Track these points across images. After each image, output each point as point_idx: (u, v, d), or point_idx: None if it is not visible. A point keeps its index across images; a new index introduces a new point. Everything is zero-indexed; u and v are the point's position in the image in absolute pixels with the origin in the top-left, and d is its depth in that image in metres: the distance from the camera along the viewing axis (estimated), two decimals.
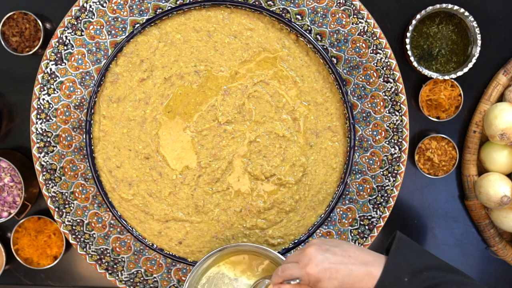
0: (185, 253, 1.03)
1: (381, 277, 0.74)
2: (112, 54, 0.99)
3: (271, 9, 1.00)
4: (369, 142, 1.02)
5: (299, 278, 0.76)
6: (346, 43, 1.01)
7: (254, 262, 0.98)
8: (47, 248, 1.07)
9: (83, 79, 1.01)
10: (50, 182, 1.02)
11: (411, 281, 0.73)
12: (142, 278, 1.04)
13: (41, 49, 1.04)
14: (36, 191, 1.08)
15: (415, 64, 1.01)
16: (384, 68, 1.01)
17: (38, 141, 1.02)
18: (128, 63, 1.00)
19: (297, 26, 0.99)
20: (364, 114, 1.02)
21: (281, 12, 1.00)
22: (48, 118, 1.01)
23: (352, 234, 1.03)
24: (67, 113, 1.02)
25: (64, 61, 1.01)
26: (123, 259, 1.04)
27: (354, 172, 1.02)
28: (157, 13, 1.00)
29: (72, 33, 1.00)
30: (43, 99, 1.01)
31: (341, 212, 1.03)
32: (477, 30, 1.01)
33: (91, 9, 1.00)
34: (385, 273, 0.74)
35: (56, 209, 1.02)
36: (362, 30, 1.00)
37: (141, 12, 1.00)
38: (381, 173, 1.02)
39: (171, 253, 1.02)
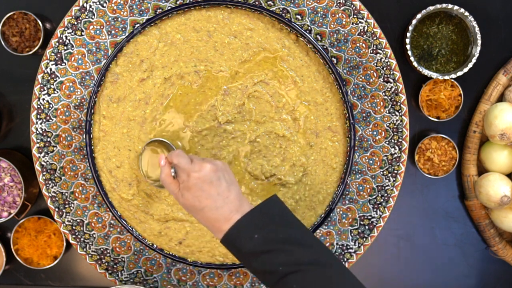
0: (185, 253, 1.03)
1: (233, 226, 0.76)
2: (112, 54, 0.99)
3: (271, 9, 1.00)
4: (369, 142, 1.02)
5: (177, 171, 0.81)
6: (346, 43, 1.01)
7: None
8: (47, 248, 1.07)
9: (83, 79, 1.01)
10: (50, 182, 1.02)
11: (260, 239, 0.74)
12: (142, 278, 1.04)
13: (41, 49, 1.04)
14: (36, 191, 1.08)
15: (415, 64, 1.01)
16: (384, 68, 1.01)
17: (38, 141, 1.02)
18: (128, 63, 1.00)
19: (297, 26, 0.99)
20: (364, 114, 1.02)
21: (281, 12, 1.00)
22: (48, 118, 1.01)
23: (352, 234, 1.03)
24: (67, 113, 1.02)
25: (64, 61, 1.01)
26: (123, 259, 1.04)
27: (354, 172, 1.02)
28: (157, 13, 1.00)
29: (72, 33, 1.00)
30: (43, 99, 1.01)
31: (341, 212, 1.03)
32: (477, 30, 1.01)
33: (91, 9, 1.00)
34: (238, 224, 0.76)
35: (56, 209, 1.02)
36: (362, 30, 1.00)
37: (141, 12, 1.00)
38: (381, 173, 1.02)
39: (171, 253, 1.02)
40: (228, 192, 0.80)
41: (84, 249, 1.03)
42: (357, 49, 1.01)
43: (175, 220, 1.02)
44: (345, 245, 1.03)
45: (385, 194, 1.02)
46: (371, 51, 1.01)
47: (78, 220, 1.03)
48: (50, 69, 1.01)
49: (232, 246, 0.77)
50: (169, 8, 0.99)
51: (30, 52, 1.03)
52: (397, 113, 1.01)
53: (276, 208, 0.78)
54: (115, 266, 1.03)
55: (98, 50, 1.01)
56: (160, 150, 0.98)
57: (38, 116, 1.01)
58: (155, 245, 1.02)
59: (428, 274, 1.10)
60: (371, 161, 1.02)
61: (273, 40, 1.01)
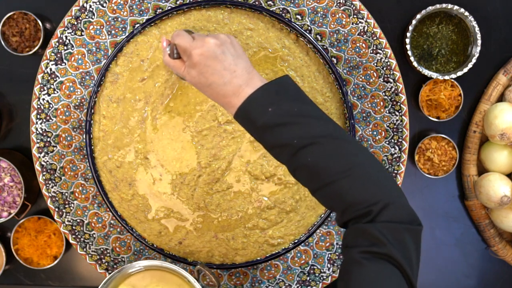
0: (185, 253, 1.03)
1: (246, 100, 0.73)
2: (112, 54, 0.99)
3: (271, 9, 1.00)
4: (369, 142, 1.02)
5: (178, 50, 0.78)
6: (346, 43, 1.01)
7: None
8: (47, 248, 1.07)
9: (83, 79, 1.01)
10: (50, 182, 1.02)
11: (275, 112, 0.71)
12: None
13: (41, 49, 1.04)
14: (36, 191, 1.08)
15: (415, 64, 1.01)
16: (384, 68, 1.01)
17: (38, 141, 1.02)
18: (128, 63, 1.00)
19: (297, 26, 0.99)
20: (364, 114, 1.02)
21: (281, 12, 1.00)
22: (48, 118, 1.01)
23: None
24: (67, 113, 1.02)
25: (64, 61, 1.01)
26: (123, 259, 1.04)
27: None
28: (157, 13, 1.00)
29: (72, 33, 1.00)
30: (43, 99, 1.01)
31: None
32: (477, 30, 1.01)
33: (91, 9, 1.00)
34: (252, 97, 0.73)
35: (56, 209, 1.02)
36: (362, 30, 1.00)
37: (141, 12, 1.00)
38: None
39: (171, 253, 1.02)
40: (234, 66, 0.76)
41: (84, 249, 1.03)
42: (357, 49, 1.01)
43: (176, 220, 1.02)
44: None
45: None
46: (371, 51, 1.01)
47: (78, 220, 1.03)
48: (50, 69, 1.01)
49: (246, 120, 0.74)
50: (169, 8, 0.99)
51: (30, 52, 1.03)
52: (397, 113, 1.01)
53: (290, 85, 0.75)
54: (115, 266, 1.03)
55: (98, 50, 1.01)
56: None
57: (38, 116, 1.01)
58: (155, 245, 1.02)
59: (428, 274, 1.10)
60: None
61: (273, 40, 1.01)
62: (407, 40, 1.01)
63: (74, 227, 1.03)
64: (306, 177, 0.72)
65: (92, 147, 1.01)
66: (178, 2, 1.00)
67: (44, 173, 1.02)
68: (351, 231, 0.69)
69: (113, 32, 1.01)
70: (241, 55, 0.79)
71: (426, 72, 1.02)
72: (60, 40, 1.00)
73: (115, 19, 1.00)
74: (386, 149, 1.02)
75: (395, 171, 1.02)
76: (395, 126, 1.02)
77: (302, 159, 0.70)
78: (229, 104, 0.76)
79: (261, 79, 0.77)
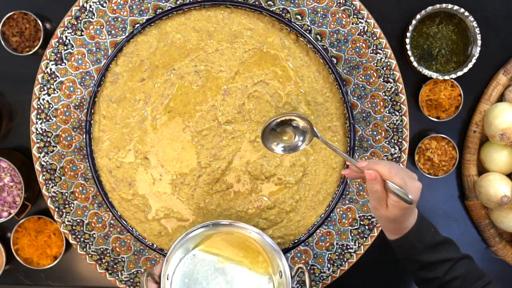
0: None
1: (404, 235, 0.84)
2: (112, 54, 0.99)
3: (271, 9, 1.00)
4: (369, 142, 1.02)
5: (410, 198, 0.80)
6: (346, 43, 1.01)
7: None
8: (47, 248, 1.07)
9: (83, 79, 1.01)
10: (50, 182, 1.02)
11: (424, 250, 0.84)
12: None
13: (41, 49, 1.04)
14: (36, 191, 1.08)
15: (415, 64, 1.01)
16: (384, 68, 1.01)
17: (38, 141, 1.02)
18: (128, 63, 1.00)
19: (297, 26, 0.99)
20: (364, 114, 1.02)
21: (281, 12, 1.00)
22: (48, 118, 1.01)
23: (352, 234, 1.03)
24: (67, 113, 1.02)
25: (64, 61, 1.01)
26: (123, 259, 1.04)
27: None
28: (157, 13, 1.00)
29: (72, 33, 1.00)
30: (43, 99, 1.01)
31: (341, 212, 1.03)
32: (477, 30, 1.01)
33: (91, 9, 1.00)
34: (407, 235, 0.84)
35: (56, 209, 1.02)
36: (362, 30, 1.00)
37: (141, 12, 1.00)
38: None
39: None
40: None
41: (84, 249, 1.03)
42: (357, 49, 1.01)
43: (176, 220, 1.02)
44: (345, 245, 1.03)
45: None
46: (371, 51, 1.01)
47: (78, 220, 1.03)
48: (50, 69, 1.01)
49: (415, 239, 0.84)
50: (169, 8, 0.99)
51: (30, 52, 1.03)
52: (397, 113, 1.01)
53: (424, 220, 0.87)
54: (115, 266, 1.03)
55: (98, 50, 1.01)
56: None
57: (38, 116, 1.01)
58: (155, 245, 1.02)
59: None
60: None
61: (273, 40, 1.01)
62: (407, 40, 1.01)
63: (74, 227, 1.03)
64: (460, 284, 0.85)
65: (92, 147, 1.01)
66: (178, 2, 1.00)
67: (44, 173, 1.02)
68: None
69: (113, 32, 1.01)
70: None
71: (426, 72, 1.02)
72: (60, 40, 1.00)
73: (115, 19, 1.00)
74: (386, 149, 1.02)
75: None
76: (395, 126, 1.02)
77: (457, 272, 0.85)
78: (400, 232, 0.85)
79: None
